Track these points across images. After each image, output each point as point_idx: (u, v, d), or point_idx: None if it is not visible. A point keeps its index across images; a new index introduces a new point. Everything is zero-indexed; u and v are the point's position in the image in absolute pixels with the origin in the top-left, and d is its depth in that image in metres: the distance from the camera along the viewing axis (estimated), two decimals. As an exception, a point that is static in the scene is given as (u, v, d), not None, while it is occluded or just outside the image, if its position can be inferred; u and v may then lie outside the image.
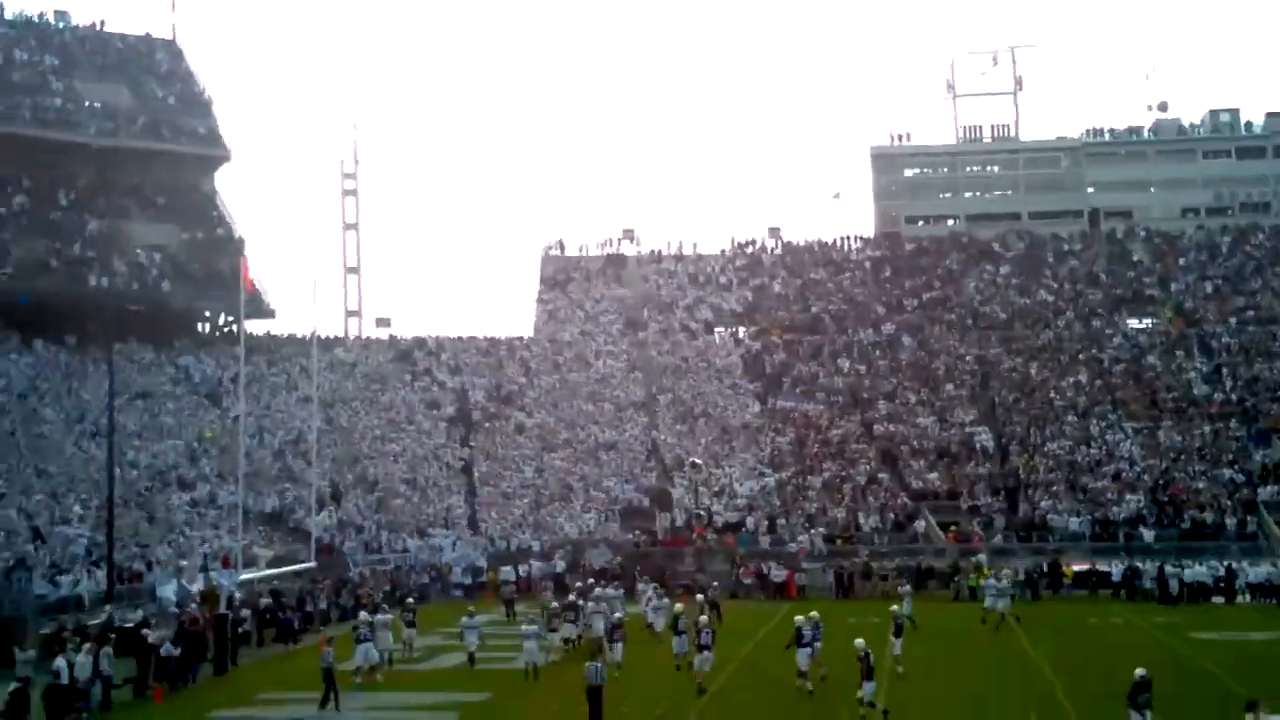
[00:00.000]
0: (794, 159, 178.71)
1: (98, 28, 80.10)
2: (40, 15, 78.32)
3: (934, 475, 57.73)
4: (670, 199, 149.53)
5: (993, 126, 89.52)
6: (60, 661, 29.00)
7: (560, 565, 50.85)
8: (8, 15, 76.86)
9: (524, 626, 33.80)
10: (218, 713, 29.14)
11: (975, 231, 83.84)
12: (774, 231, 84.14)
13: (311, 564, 45.58)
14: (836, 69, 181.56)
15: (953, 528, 53.45)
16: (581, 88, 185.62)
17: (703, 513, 54.98)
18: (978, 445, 60.01)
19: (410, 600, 38.17)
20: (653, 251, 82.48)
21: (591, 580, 42.97)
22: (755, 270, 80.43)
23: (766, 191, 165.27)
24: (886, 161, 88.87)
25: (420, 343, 72.03)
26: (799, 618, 29.28)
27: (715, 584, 43.47)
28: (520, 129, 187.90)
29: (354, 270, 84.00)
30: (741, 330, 75.03)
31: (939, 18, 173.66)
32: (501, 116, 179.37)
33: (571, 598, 37.57)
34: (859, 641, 26.15)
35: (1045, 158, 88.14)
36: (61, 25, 78.53)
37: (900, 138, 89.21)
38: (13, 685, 28.38)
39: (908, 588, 41.17)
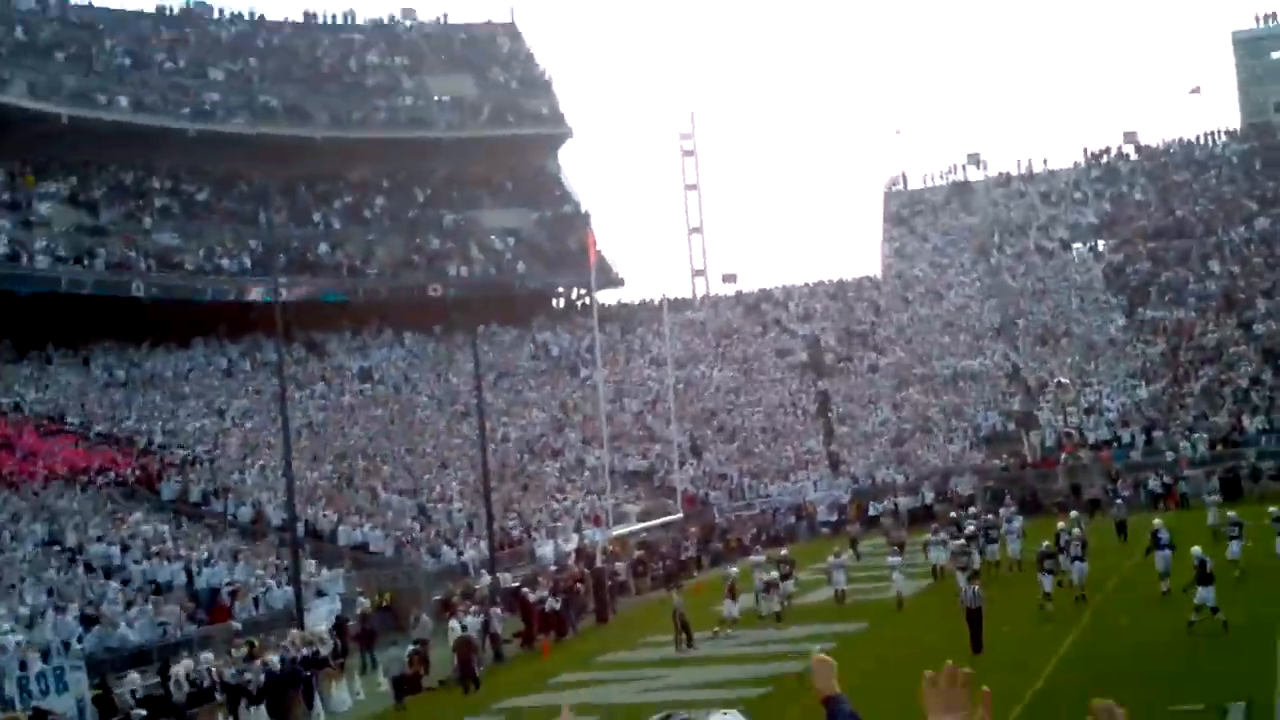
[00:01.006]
0: (1147, 55, 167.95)
1: (442, 22, 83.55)
2: (390, 17, 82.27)
3: (1323, 370, 53.40)
4: (1016, 115, 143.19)
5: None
6: (454, 623, 30.87)
7: (929, 496, 49.93)
8: (360, 20, 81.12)
9: (888, 559, 33.47)
10: (603, 657, 30.47)
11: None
12: (1130, 136, 79.80)
13: (679, 515, 46.60)
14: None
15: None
16: (914, 7, 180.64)
17: (1072, 431, 52.79)
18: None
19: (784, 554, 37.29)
20: (1000, 174, 79.87)
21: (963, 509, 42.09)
22: (1111, 180, 76.57)
23: (1119, 94, 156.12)
24: (1251, 45, 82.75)
25: (767, 294, 72.26)
26: (1157, 521, 28.49)
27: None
28: (851, 64, 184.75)
29: (697, 230, 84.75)
30: (1101, 243, 71.49)
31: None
32: (829, 56, 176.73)
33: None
34: (1195, 549, 24.99)
35: None
36: (409, 24, 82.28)
37: (1265, 18, 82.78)
38: (411, 647, 30.36)
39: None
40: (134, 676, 28.03)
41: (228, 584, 36.84)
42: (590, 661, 30.06)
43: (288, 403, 39.30)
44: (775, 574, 32.90)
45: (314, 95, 72.44)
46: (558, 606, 34.57)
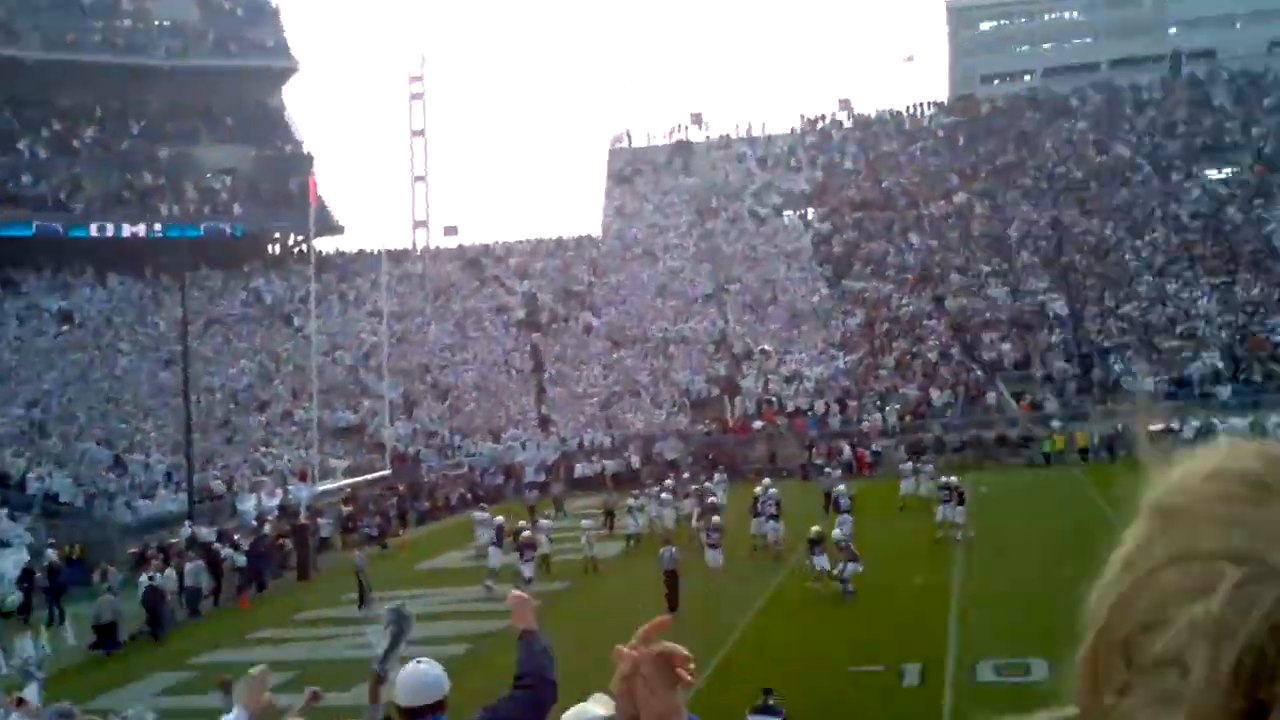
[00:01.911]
0: (864, 23, 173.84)
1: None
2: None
3: (1006, 346, 56.94)
4: (740, 77, 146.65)
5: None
6: (143, 577, 30.48)
7: (634, 460, 51.26)
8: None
9: (583, 522, 34.46)
10: (303, 614, 30.71)
11: (1054, 86, 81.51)
12: (844, 104, 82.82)
13: (386, 472, 46.72)
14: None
15: (1025, 397, 52.83)
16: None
17: (772, 399, 54.98)
18: (1051, 313, 59.05)
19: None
20: (721, 136, 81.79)
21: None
22: (825, 147, 79.37)
23: (837, 61, 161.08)
24: (963, 15, 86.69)
25: (487, 250, 72.41)
26: (757, 489, 32.44)
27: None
28: (583, 17, 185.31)
29: (421, 179, 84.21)
30: (811, 211, 74.17)
31: None
32: (563, 6, 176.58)
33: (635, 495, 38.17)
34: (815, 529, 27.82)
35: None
36: (126, -59, 78.56)
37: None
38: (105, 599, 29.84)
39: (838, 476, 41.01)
40: None
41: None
42: (290, 618, 30.25)
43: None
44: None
45: (25, 12, 68.64)
46: (242, 563, 34.39)
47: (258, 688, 5.89)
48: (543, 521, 34.60)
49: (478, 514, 37.82)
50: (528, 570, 29.48)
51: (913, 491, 38.29)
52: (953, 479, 33.59)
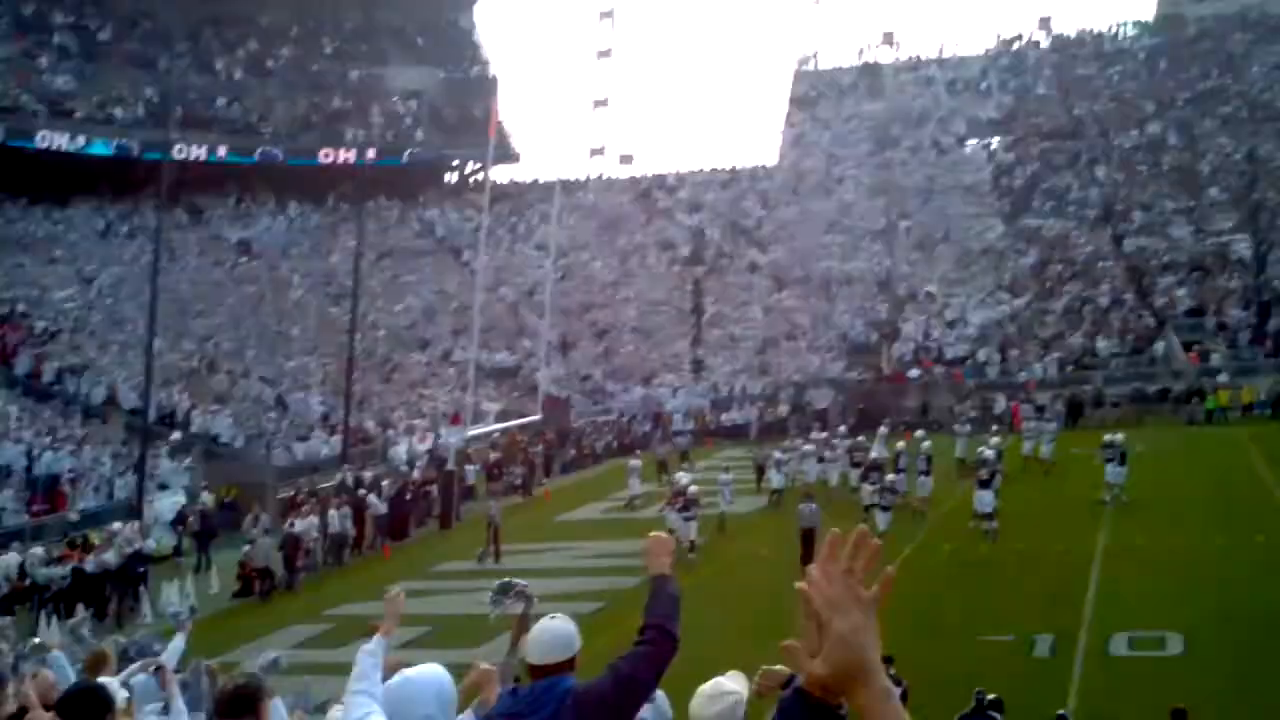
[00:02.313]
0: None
1: None
2: None
3: (1182, 291, 54.22)
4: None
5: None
6: (299, 524, 31.69)
7: (784, 409, 50.80)
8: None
9: (721, 476, 33.59)
10: (441, 565, 31.38)
11: (1268, 5, 76.48)
12: (1044, 23, 79.42)
13: (536, 417, 47.19)
14: None
15: (1195, 347, 50.46)
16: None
17: (931, 345, 53.80)
18: (1233, 256, 56.08)
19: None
20: (911, 57, 79.46)
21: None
22: (1018, 70, 76.41)
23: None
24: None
25: (660, 180, 71.92)
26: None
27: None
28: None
29: (602, 103, 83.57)
30: (995, 141, 71.68)
31: None
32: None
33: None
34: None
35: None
36: None
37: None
38: (245, 548, 31.23)
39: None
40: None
41: (69, 471, 37.21)
42: (428, 570, 30.68)
43: (159, 274, 39.18)
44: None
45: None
46: (383, 510, 34.99)
47: (393, 612, 6.23)
48: (681, 475, 33.94)
49: (632, 461, 38.00)
50: (690, 531, 28.12)
51: (1031, 453, 36.90)
52: (1118, 436, 32.14)
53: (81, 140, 58.40)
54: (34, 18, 62.69)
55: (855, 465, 34.53)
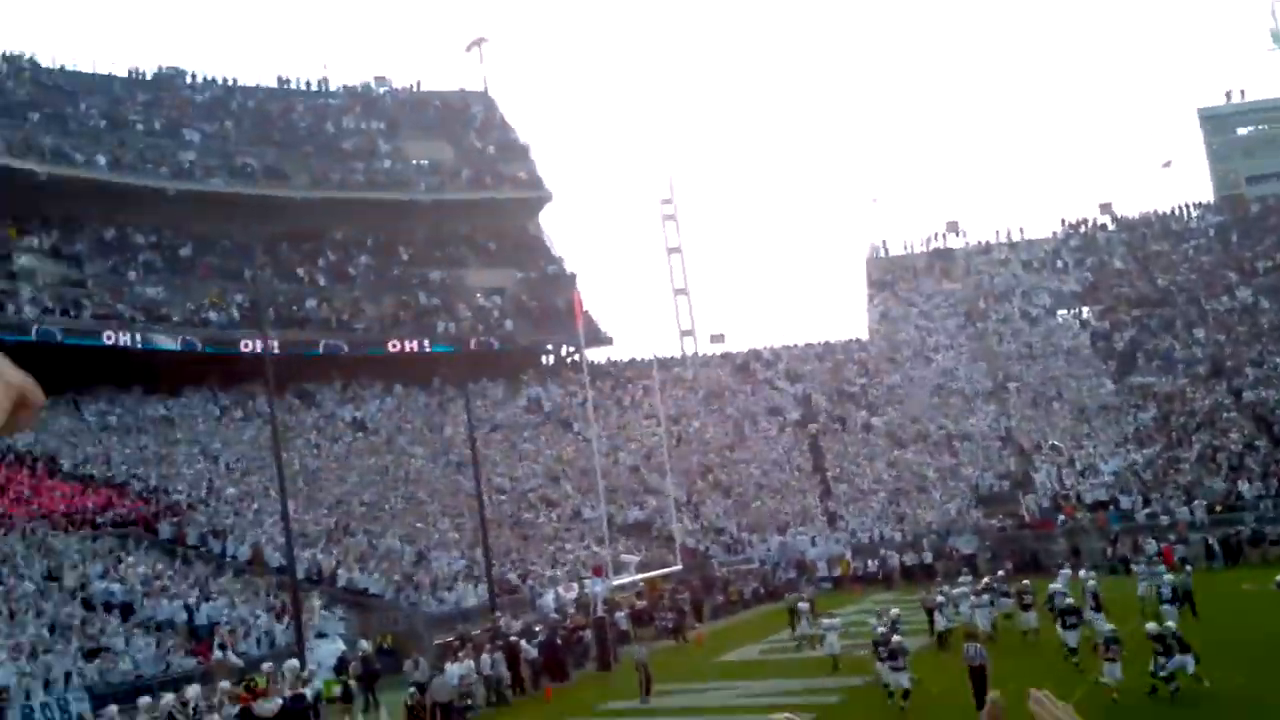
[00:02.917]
0: (1119, 129, 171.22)
1: (415, 89, 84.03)
2: (364, 84, 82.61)
3: (1316, 435, 53.63)
4: (992, 186, 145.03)
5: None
6: (450, 668, 30.50)
7: (928, 555, 49.78)
8: (334, 86, 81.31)
9: (823, 620, 32.49)
10: (605, 705, 30.39)
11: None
12: (1105, 207, 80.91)
13: (678, 566, 46.27)
14: (1155, 31, 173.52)
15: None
16: (891, 80, 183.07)
17: (1069, 493, 52.81)
18: (1358, 403, 55.57)
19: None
20: (980, 242, 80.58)
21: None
22: (1090, 249, 77.35)
23: (1093, 167, 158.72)
24: (1218, 122, 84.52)
25: (756, 354, 72.44)
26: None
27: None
28: (831, 132, 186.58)
29: (682, 292, 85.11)
30: (1085, 310, 72.01)
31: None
32: (810, 123, 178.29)
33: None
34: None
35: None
36: (383, 90, 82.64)
37: (1230, 95, 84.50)
38: (410, 690, 29.89)
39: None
40: (145, 700, 27.38)
41: (226, 622, 36.32)
42: (593, 709, 30.10)
43: (281, 450, 38.81)
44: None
45: (291, 157, 72.36)
46: (534, 655, 34.11)
47: None
48: (825, 620, 32.59)
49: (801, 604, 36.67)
50: (902, 680, 25.47)
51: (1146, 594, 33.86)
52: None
53: (178, 340, 58.69)
54: (116, 240, 63.84)
55: (1024, 608, 32.61)
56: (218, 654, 34.06)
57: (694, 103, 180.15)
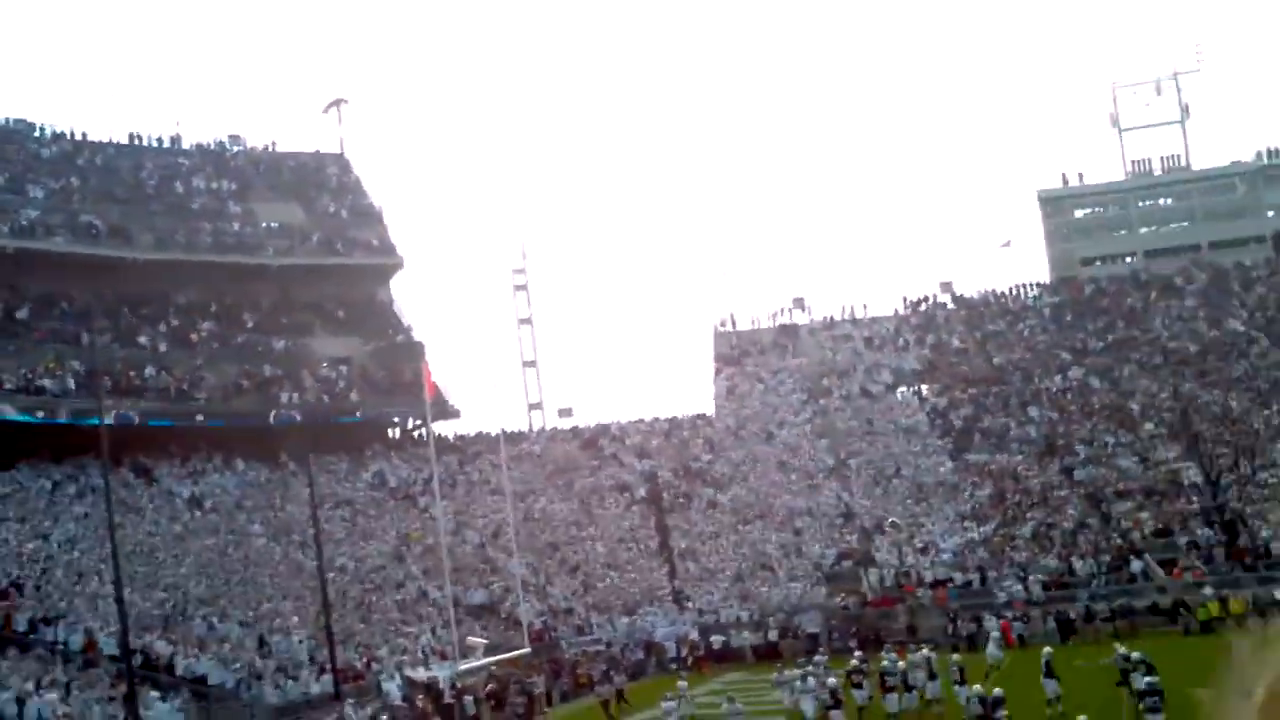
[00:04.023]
0: (961, 209, 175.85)
1: (270, 149, 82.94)
2: (217, 142, 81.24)
3: (1144, 515, 55.65)
4: (838, 262, 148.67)
5: (1162, 158, 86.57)
6: None
7: (774, 634, 50.37)
8: (185, 145, 79.92)
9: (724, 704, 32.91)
10: None
11: (1155, 267, 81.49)
12: (946, 286, 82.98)
13: (526, 650, 46.04)
14: (994, 115, 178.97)
15: (1179, 564, 51.40)
16: (736, 156, 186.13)
17: (910, 571, 53.96)
18: (1185, 481, 57.87)
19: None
20: (825, 318, 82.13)
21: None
22: (931, 327, 79.31)
23: (935, 246, 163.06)
24: (1055, 204, 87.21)
25: (604, 429, 72.56)
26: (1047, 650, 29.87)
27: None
28: (680, 207, 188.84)
29: (531, 364, 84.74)
30: (924, 388, 73.80)
31: (1096, 51, 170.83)
32: (662, 197, 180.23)
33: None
34: None
35: (1220, 185, 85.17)
36: (236, 149, 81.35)
37: (1067, 178, 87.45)
38: None
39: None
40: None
41: (63, 715, 35.09)
42: None
43: (116, 529, 37.69)
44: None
45: (138, 216, 70.60)
46: None
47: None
48: (664, 704, 33.59)
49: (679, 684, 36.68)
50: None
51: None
52: (1133, 654, 31.81)
53: (11, 409, 56.79)
54: (-58, 298, 61.86)
55: (886, 690, 33.34)
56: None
57: (548, 170, 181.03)
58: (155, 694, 37.83)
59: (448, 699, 38.58)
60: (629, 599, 54.88)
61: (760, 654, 48.42)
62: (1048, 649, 32.99)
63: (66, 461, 57.90)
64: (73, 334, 63.59)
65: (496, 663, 44.67)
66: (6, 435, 56.30)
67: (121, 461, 57.72)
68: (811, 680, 34.15)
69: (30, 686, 36.51)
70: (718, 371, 77.91)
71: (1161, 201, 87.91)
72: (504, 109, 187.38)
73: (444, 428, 71.20)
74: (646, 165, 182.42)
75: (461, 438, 72.40)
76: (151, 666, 40.61)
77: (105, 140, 77.16)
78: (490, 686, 42.19)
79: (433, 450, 50.02)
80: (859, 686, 33.53)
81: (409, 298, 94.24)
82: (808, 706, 32.83)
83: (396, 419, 72.84)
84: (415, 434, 71.40)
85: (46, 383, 59.26)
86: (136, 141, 78.69)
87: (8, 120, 74.00)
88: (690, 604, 54.53)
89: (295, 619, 47.12)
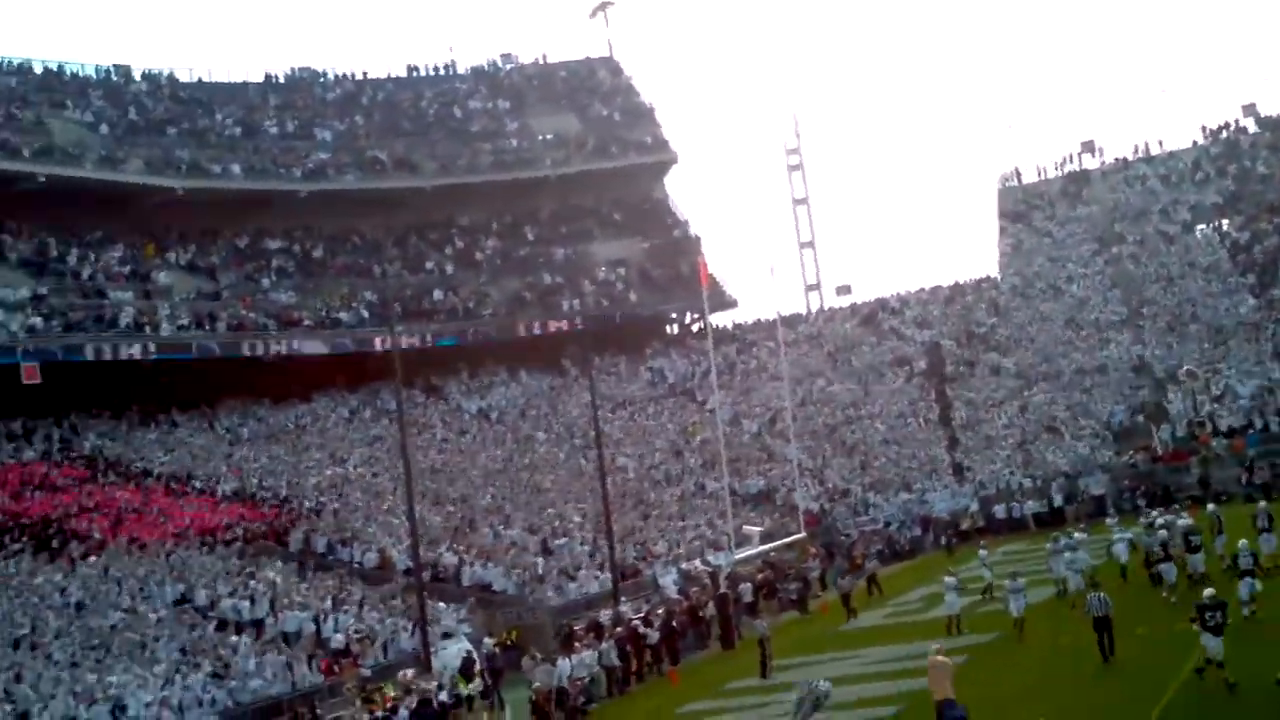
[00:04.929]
0: (1263, 24, 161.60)
1: (541, 62, 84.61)
2: (490, 62, 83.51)
3: None
4: (1129, 99, 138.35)
5: None
6: (562, 662, 30.72)
7: (1058, 499, 48.79)
8: (460, 69, 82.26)
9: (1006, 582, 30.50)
10: (732, 684, 30.15)
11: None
12: (1249, 109, 77.06)
13: (801, 534, 46.06)
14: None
15: None
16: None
17: (1205, 420, 51.04)
18: None
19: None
20: (1117, 160, 77.84)
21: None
22: (1233, 156, 73.85)
23: (1238, 66, 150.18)
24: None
25: (883, 303, 71.49)
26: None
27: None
28: (957, 58, 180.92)
29: (808, 245, 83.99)
30: (1225, 223, 69.10)
31: None
32: (935, 51, 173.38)
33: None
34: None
35: None
36: (509, 67, 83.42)
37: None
38: (535, 686, 30.26)
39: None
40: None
41: (355, 632, 37.20)
42: (719, 689, 29.83)
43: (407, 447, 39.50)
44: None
45: (420, 146, 73.48)
46: (654, 638, 34.14)
47: None
48: (947, 579, 31.61)
49: (947, 579, 32.49)
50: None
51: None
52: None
53: (311, 344, 60.06)
54: (249, 247, 65.65)
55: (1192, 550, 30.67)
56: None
57: (819, 40, 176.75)
58: (442, 605, 39.76)
59: (723, 589, 38.87)
60: (909, 476, 54.04)
61: (1043, 521, 46.87)
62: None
63: (362, 388, 61.10)
64: (365, 267, 66.84)
65: (772, 549, 44.94)
66: (305, 369, 59.86)
67: (413, 383, 60.59)
68: (1082, 553, 32.35)
69: (328, 605, 38.89)
70: (1003, 230, 75.16)
71: None
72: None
73: (722, 318, 71.79)
74: (917, 16, 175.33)
75: (739, 326, 72.65)
76: (439, 579, 42.65)
77: (384, 76, 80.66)
78: (763, 575, 42.41)
79: (710, 342, 50.22)
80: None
81: (685, 193, 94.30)
82: (1073, 579, 31.16)
83: (675, 315, 73.57)
84: (694, 328, 71.97)
85: (342, 315, 62.53)
86: (414, 73, 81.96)
87: (293, 70, 78.23)
88: (971, 475, 53.24)
89: (577, 520, 48.48)
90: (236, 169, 65.59)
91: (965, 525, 48.56)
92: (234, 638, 35.18)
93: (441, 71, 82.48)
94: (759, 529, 46.58)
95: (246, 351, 57.59)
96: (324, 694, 33.09)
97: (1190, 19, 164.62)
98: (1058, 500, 48.60)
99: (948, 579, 31.36)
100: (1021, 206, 76.44)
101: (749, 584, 40.49)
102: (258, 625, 37.11)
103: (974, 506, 49.89)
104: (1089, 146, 79.39)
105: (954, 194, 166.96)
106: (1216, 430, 50.45)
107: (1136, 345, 59.53)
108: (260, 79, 76.40)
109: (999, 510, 49.51)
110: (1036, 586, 32.49)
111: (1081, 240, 71.22)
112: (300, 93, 76.05)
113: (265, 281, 63.85)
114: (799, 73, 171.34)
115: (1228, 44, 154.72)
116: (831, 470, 55.62)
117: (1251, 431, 49.49)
